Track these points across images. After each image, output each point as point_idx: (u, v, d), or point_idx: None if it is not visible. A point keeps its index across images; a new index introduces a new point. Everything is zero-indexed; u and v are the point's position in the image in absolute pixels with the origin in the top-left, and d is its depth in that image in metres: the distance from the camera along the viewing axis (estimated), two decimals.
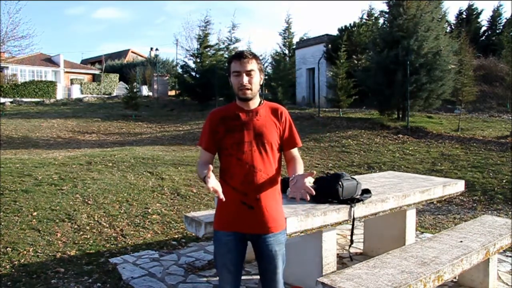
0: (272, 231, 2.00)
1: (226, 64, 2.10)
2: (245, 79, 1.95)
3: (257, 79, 2.01)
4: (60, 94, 26.91)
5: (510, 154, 8.60)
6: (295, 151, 2.11)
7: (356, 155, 9.62)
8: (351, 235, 3.04)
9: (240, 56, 1.97)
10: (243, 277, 2.18)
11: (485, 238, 3.04)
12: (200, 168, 1.97)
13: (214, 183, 1.78)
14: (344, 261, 3.81)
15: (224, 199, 1.81)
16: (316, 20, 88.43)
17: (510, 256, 3.95)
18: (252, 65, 1.97)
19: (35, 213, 4.89)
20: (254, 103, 2.04)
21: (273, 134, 2.01)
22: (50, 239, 4.27)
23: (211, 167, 1.85)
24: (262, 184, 1.98)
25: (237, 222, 1.98)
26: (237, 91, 1.99)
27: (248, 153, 1.97)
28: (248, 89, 1.96)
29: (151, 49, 38.43)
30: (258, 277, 2.10)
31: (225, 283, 2.03)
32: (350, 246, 3.29)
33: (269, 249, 1.99)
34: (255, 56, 2.00)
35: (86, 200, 5.49)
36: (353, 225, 2.95)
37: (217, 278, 3.41)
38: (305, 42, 21.16)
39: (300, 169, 2.02)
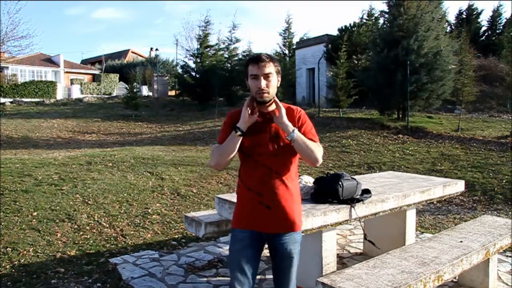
0: (288, 230, 2.02)
1: (243, 67, 2.08)
2: (263, 82, 1.96)
3: (275, 82, 2.02)
4: (60, 94, 26.91)
5: (510, 154, 8.60)
6: None
7: (356, 155, 9.62)
8: (363, 229, 3.04)
9: (258, 60, 1.98)
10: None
11: (485, 238, 3.04)
12: (222, 145, 2.01)
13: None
14: (344, 261, 3.81)
15: (252, 114, 1.93)
16: (316, 20, 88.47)
17: (510, 256, 3.95)
18: (270, 68, 1.98)
19: (35, 213, 4.89)
20: (271, 106, 2.05)
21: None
22: (50, 239, 4.27)
23: None
24: (278, 185, 1.99)
25: (254, 221, 2.01)
26: (255, 94, 1.99)
27: (264, 155, 1.99)
28: (265, 92, 1.97)
29: (151, 49, 38.44)
30: (271, 276, 2.11)
31: (236, 283, 1.99)
32: (365, 237, 3.33)
33: (284, 247, 2.01)
34: (272, 59, 2.01)
35: (86, 200, 5.49)
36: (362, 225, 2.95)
37: (217, 278, 3.42)
38: (305, 42, 21.17)
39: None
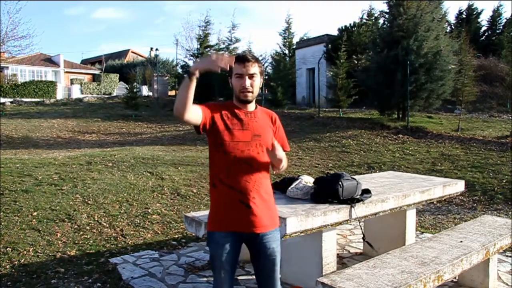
0: (270, 229, 2.02)
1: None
2: (248, 82, 1.98)
3: (258, 82, 2.04)
4: (60, 94, 26.91)
5: (510, 154, 8.60)
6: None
7: (356, 155, 9.62)
8: (362, 230, 3.05)
9: (244, 59, 1.98)
10: (243, 277, 2.18)
11: (485, 238, 3.04)
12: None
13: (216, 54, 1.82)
14: (344, 261, 3.81)
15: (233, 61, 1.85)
16: (316, 20, 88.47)
17: (510, 256, 3.95)
18: (255, 68, 2.00)
19: (35, 213, 4.89)
20: (251, 106, 2.07)
21: (268, 136, 2.05)
22: (50, 239, 4.27)
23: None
24: (259, 183, 2.01)
25: (235, 221, 1.98)
26: (238, 93, 2.01)
27: (246, 153, 1.99)
28: (249, 92, 1.99)
29: (151, 49, 38.39)
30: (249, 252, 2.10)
31: (222, 284, 2.00)
32: (363, 238, 3.35)
33: (267, 246, 2.00)
34: (257, 60, 2.03)
35: (86, 200, 5.49)
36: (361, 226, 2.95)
37: None
38: (305, 42, 21.17)
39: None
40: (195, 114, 1.91)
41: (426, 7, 12.60)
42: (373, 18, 20.64)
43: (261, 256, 2.03)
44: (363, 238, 3.21)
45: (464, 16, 24.20)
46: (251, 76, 1.99)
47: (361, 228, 3.40)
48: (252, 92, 2.01)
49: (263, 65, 2.13)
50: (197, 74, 1.80)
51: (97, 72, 33.43)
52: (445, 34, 13.83)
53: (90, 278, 3.42)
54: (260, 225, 1.99)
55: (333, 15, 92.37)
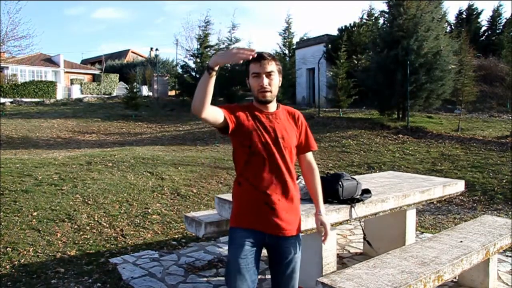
0: (292, 233, 1.96)
1: (245, 66, 2.02)
2: (265, 80, 1.92)
3: (277, 81, 1.97)
4: (60, 94, 26.91)
5: (510, 154, 8.60)
6: (309, 155, 2.13)
7: (356, 155, 9.62)
8: (363, 229, 3.06)
9: (260, 57, 1.91)
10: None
11: (485, 238, 3.04)
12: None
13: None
14: (344, 261, 3.81)
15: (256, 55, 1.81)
16: (316, 20, 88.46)
17: (510, 256, 3.95)
18: (272, 66, 1.94)
19: (35, 213, 4.89)
20: (272, 106, 2.00)
21: (292, 138, 2.00)
22: (50, 239, 4.27)
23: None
24: (285, 186, 1.95)
25: (258, 220, 1.92)
26: (257, 93, 1.94)
27: (271, 155, 1.93)
28: (268, 91, 1.93)
29: (151, 49, 38.42)
30: (269, 276, 2.05)
31: None
32: (364, 237, 3.35)
33: (289, 251, 1.94)
34: (274, 58, 1.97)
35: (86, 200, 5.48)
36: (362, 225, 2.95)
37: (217, 278, 3.42)
38: (305, 42, 21.17)
39: (319, 188, 2.12)
40: (214, 113, 1.85)
41: (426, 7, 12.60)
42: (373, 18, 20.64)
43: (282, 261, 1.95)
44: (364, 237, 3.21)
45: (464, 16, 24.20)
46: (268, 75, 1.92)
47: (362, 228, 3.40)
48: (271, 91, 1.94)
49: (280, 62, 2.04)
50: (216, 68, 1.75)
51: (97, 72, 33.43)
52: (445, 34, 13.83)
53: (90, 278, 3.42)
54: (283, 228, 1.93)
55: (333, 15, 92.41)
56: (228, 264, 1.91)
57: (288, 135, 1.97)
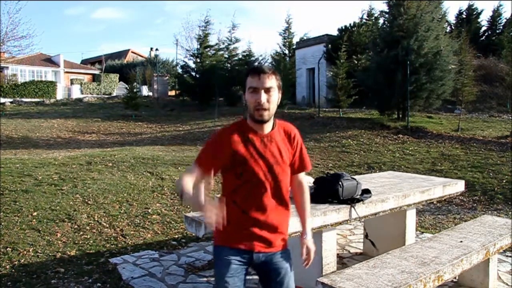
0: (280, 249, 1.91)
1: (244, 77, 1.86)
2: (263, 97, 1.75)
3: (276, 98, 1.81)
4: (60, 94, 26.92)
5: (510, 154, 8.60)
6: (302, 175, 2.01)
7: (356, 155, 9.62)
8: (364, 228, 3.06)
9: (259, 71, 1.77)
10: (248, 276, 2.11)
11: (485, 238, 3.04)
12: (181, 180, 1.75)
13: (213, 211, 1.59)
14: (344, 261, 3.81)
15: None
16: (316, 20, 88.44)
17: (510, 256, 3.95)
18: (272, 81, 1.78)
19: (35, 213, 4.89)
20: (268, 126, 1.84)
21: (287, 161, 1.88)
22: (50, 239, 4.27)
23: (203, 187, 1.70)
24: (276, 210, 1.87)
25: (246, 241, 1.84)
26: (253, 111, 1.78)
27: (263, 182, 1.81)
28: (265, 109, 1.76)
29: (151, 49, 38.45)
30: (258, 276, 2.04)
31: None
32: (366, 236, 3.35)
33: (280, 266, 1.89)
34: (274, 72, 1.81)
35: (86, 200, 5.48)
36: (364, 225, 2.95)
37: None
38: (305, 42, 21.17)
39: (308, 209, 2.01)
40: (207, 179, 1.80)
41: (426, 7, 12.60)
42: (373, 18, 20.66)
43: (274, 278, 1.88)
44: (366, 236, 3.21)
45: (464, 16, 24.23)
46: (267, 90, 1.76)
47: (364, 226, 3.40)
48: (268, 109, 1.77)
49: (280, 78, 1.86)
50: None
51: (97, 72, 33.44)
52: (445, 34, 13.84)
53: (90, 278, 3.42)
54: (272, 245, 1.87)
55: (333, 15, 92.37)
56: (216, 283, 1.84)
57: (283, 160, 1.85)
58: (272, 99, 1.78)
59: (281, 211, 1.90)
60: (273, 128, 1.87)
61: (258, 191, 1.83)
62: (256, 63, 22.30)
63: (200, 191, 1.80)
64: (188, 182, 1.77)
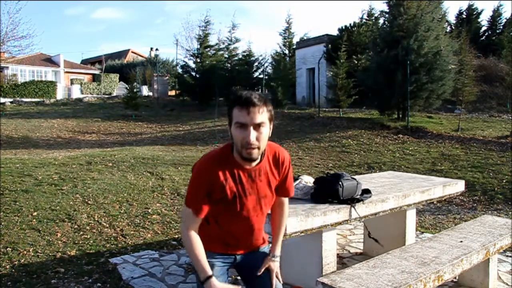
0: (263, 244, 1.93)
1: (227, 111, 1.65)
2: (253, 134, 1.54)
3: (267, 133, 1.60)
4: (60, 94, 26.93)
5: (510, 154, 8.60)
6: (285, 199, 1.93)
7: (356, 155, 9.62)
8: (366, 228, 3.07)
9: (248, 103, 1.53)
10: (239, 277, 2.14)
11: (485, 238, 3.04)
12: (195, 252, 1.66)
13: None
14: (344, 261, 3.81)
15: None
16: (316, 20, 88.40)
17: (510, 256, 3.95)
18: (263, 115, 1.56)
19: (35, 213, 4.89)
20: (257, 159, 1.66)
21: (273, 189, 1.79)
22: (50, 239, 4.27)
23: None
24: (255, 236, 1.86)
25: (231, 250, 1.85)
26: (240, 148, 1.58)
27: (250, 216, 1.75)
28: (255, 148, 1.57)
29: (151, 49, 38.49)
30: (239, 275, 2.04)
31: None
32: (369, 234, 3.35)
33: (260, 257, 1.89)
34: (266, 102, 1.59)
35: (86, 200, 5.49)
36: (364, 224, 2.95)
37: None
38: (305, 42, 21.18)
39: (282, 231, 1.95)
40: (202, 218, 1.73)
41: (426, 7, 12.61)
42: (373, 18, 20.66)
43: (254, 276, 1.86)
44: (369, 235, 3.21)
45: (464, 16, 24.23)
46: (257, 126, 1.55)
47: (365, 226, 3.40)
48: (258, 147, 1.58)
49: (272, 107, 1.66)
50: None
51: (97, 72, 33.45)
52: (445, 34, 13.84)
53: (90, 278, 3.42)
54: (253, 246, 1.89)
55: (333, 15, 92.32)
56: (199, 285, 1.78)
57: (270, 191, 1.76)
58: (262, 136, 1.57)
59: (262, 222, 1.88)
60: (261, 159, 1.69)
61: (243, 222, 1.76)
62: (256, 63, 22.33)
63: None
64: (203, 253, 1.68)
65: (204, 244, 1.74)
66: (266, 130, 1.59)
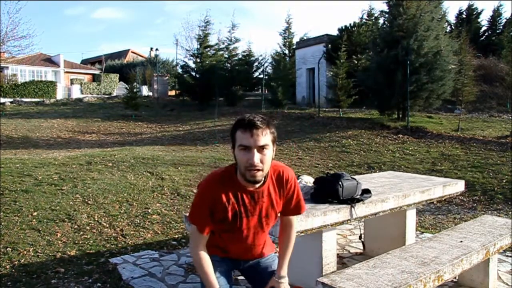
0: (269, 253, 1.95)
1: (230, 134, 1.70)
2: (257, 157, 1.56)
3: (270, 155, 1.62)
4: (60, 94, 26.92)
5: (510, 154, 8.60)
6: (294, 218, 1.92)
7: (356, 155, 9.62)
8: (359, 229, 3.07)
9: (252, 126, 1.55)
10: (243, 277, 2.14)
11: (485, 238, 3.04)
12: (204, 269, 1.71)
13: None
14: (344, 261, 3.81)
15: None
16: (316, 20, 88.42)
17: (510, 256, 3.95)
18: (266, 137, 1.58)
19: (35, 213, 4.88)
20: (260, 181, 1.68)
21: (276, 210, 1.80)
22: (50, 239, 4.27)
23: None
24: (258, 250, 1.89)
25: (235, 256, 1.90)
26: (244, 170, 1.60)
27: (250, 236, 1.79)
28: (259, 170, 1.58)
29: (151, 49, 38.49)
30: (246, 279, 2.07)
31: None
32: (360, 237, 3.36)
33: (268, 267, 1.90)
34: (268, 124, 1.61)
35: (86, 200, 5.48)
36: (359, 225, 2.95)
37: None
38: (305, 42, 21.18)
39: (289, 253, 1.90)
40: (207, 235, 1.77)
41: (425, 7, 12.61)
42: (373, 18, 20.66)
43: (263, 278, 1.87)
44: (360, 237, 3.23)
45: (464, 16, 24.23)
46: (261, 149, 1.57)
47: (359, 227, 3.41)
48: (262, 170, 1.59)
49: (275, 129, 1.66)
50: None
51: (97, 72, 33.44)
52: (445, 34, 13.84)
53: (90, 278, 3.42)
54: (260, 254, 1.91)
55: (333, 15, 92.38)
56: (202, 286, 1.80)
57: (273, 211, 1.78)
58: (266, 158, 1.59)
59: (263, 238, 1.89)
60: (265, 181, 1.70)
61: (244, 240, 1.80)
62: (256, 63, 22.33)
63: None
64: (211, 270, 1.72)
65: (209, 249, 1.79)
66: (270, 152, 1.62)
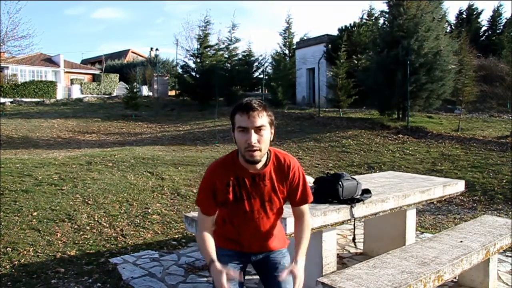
0: (281, 247, 1.94)
1: (229, 117, 1.78)
2: (254, 137, 1.65)
3: (268, 136, 1.70)
4: (60, 94, 26.92)
5: (510, 154, 8.60)
6: (304, 207, 1.92)
7: (356, 155, 9.62)
8: (353, 230, 3.07)
9: (248, 108, 1.66)
10: (248, 277, 2.12)
11: (485, 238, 3.04)
12: (204, 244, 1.77)
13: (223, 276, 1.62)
14: (344, 261, 3.81)
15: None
16: (316, 20, 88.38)
17: (510, 256, 3.95)
18: (263, 119, 1.67)
19: (35, 213, 4.89)
20: (261, 163, 1.75)
21: (280, 196, 1.83)
22: (50, 239, 4.27)
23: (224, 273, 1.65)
24: (270, 227, 1.88)
25: (245, 248, 1.90)
26: (243, 151, 1.68)
27: (254, 220, 1.82)
28: (257, 149, 1.66)
29: (151, 49, 38.47)
30: (258, 276, 2.06)
31: None
32: (353, 239, 3.35)
33: (279, 261, 1.91)
34: (265, 107, 1.71)
35: (86, 200, 5.49)
36: (354, 225, 2.96)
37: None
38: (305, 42, 21.18)
39: (305, 243, 1.86)
40: (213, 217, 1.85)
41: (426, 7, 12.61)
42: (373, 18, 20.66)
43: (270, 275, 1.89)
44: (353, 238, 3.24)
45: (464, 16, 24.24)
46: (258, 130, 1.65)
47: (354, 228, 3.38)
48: (260, 149, 1.67)
49: (272, 113, 1.75)
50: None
51: (97, 72, 33.43)
52: (445, 34, 13.84)
53: (90, 278, 3.42)
54: (267, 248, 1.91)
55: (333, 15, 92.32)
56: (213, 284, 1.78)
57: (275, 196, 1.82)
58: (263, 138, 1.67)
59: (275, 224, 1.91)
60: (266, 164, 1.77)
61: (251, 223, 1.84)
62: (256, 63, 22.33)
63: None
64: (205, 241, 1.78)
65: (220, 242, 1.88)
66: (267, 133, 1.70)
